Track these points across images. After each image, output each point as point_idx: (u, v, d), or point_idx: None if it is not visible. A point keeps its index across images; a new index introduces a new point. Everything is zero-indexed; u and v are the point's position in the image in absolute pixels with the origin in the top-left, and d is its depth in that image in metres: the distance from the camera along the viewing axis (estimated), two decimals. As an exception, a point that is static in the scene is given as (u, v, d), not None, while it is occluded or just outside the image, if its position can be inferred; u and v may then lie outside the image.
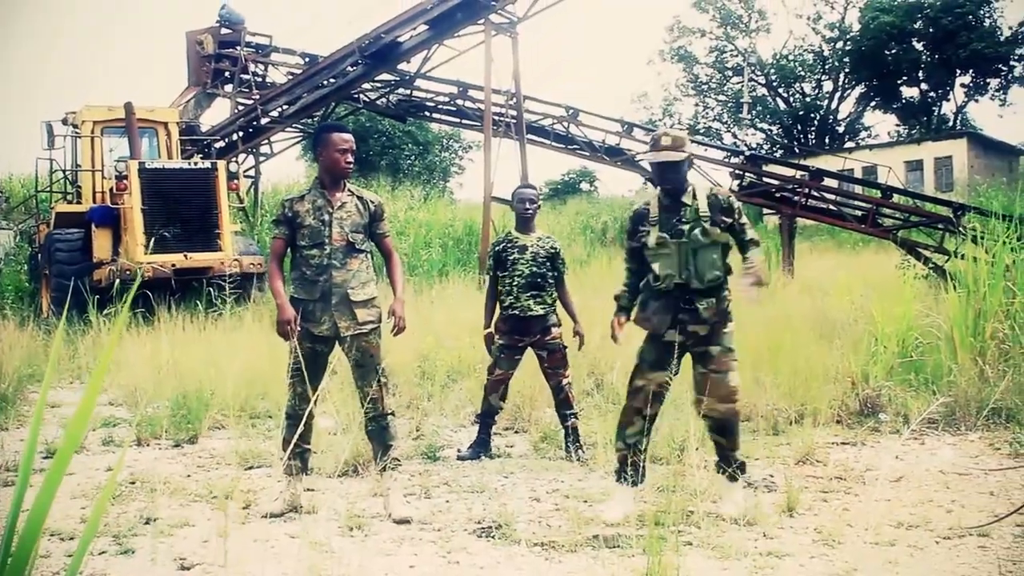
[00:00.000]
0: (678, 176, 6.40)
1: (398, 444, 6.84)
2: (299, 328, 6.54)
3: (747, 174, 24.40)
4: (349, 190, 6.78)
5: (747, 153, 28.31)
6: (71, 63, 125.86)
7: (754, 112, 63.26)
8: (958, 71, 56.98)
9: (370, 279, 6.76)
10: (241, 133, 25.84)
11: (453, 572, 5.44)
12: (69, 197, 20.97)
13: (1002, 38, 55.01)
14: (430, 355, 11.69)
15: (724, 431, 6.44)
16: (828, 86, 64.56)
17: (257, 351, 11.14)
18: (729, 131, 64.88)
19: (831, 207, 23.32)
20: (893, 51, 55.94)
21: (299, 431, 6.25)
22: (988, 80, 57.70)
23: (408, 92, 27.19)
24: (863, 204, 22.70)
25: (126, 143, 19.20)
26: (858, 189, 25.38)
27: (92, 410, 2.60)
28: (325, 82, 24.54)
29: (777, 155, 54.95)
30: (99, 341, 13.27)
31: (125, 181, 17.90)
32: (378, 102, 27.57)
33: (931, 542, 5.78)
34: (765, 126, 65.88)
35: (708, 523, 6.02)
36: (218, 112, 28.63)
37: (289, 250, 6.83)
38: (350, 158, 6.68)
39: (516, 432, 9.62)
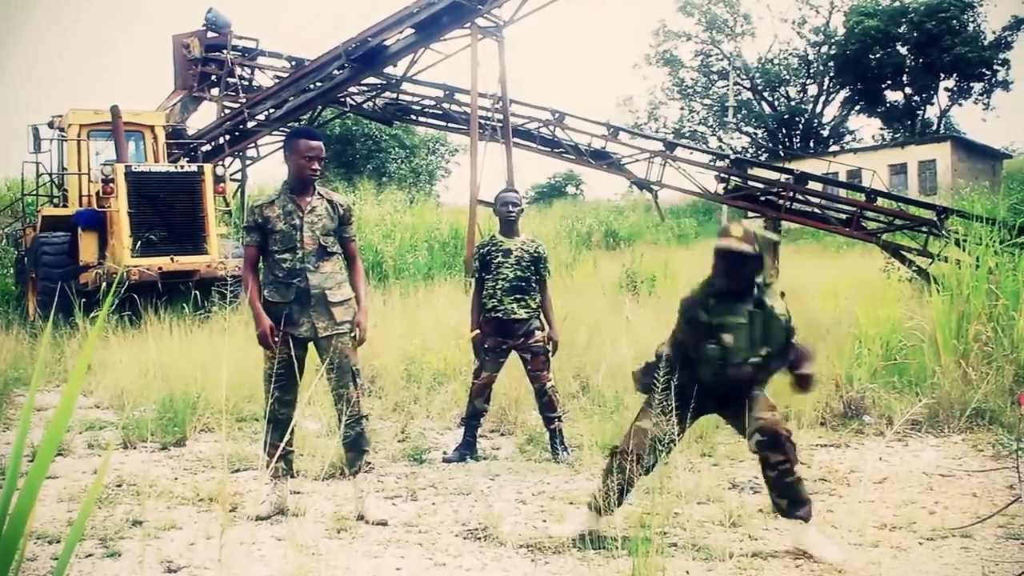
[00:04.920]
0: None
1: (372, 448, 6.83)
2: (279, 333, 6.54)
3: (732, 177, 24.42)
4: (319, 193, 6.78)
5: (732, 157, 28.34)
6: (58, 66, 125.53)
7: (739, 116, 63.36)
8: (942, 75, 57.19)
9: (344, 279, 6.78)
10: (227, 136, 25.79)
11: (439, 574, 5.45)
12: (55, 200, 20.95)
13: (985, 42, 55.27)
14: (416, 358, 11.70)
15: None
16: (813, 90, 64.83)
17: (244, 353, 11.12)
18: (714, 135, 65.01)
19: (816, 210, 23.33)
20: (877, 55, 56.08)
21: (282, 434, 6.27)
22: (971, 84, 57.94)
23: (394, 95, 27.15)
24: (847, 207, 22.71)
25: (112, 146, 19.17)
26: (842, 192, 25.34)
27: (71, 412, 2.62)
28: (311, 86, 24.51)
29: (762, 159, 55.03)
30: (85, 344, 13.21)
31: (111, 184, 17.85)
32: (364, 105, 27.53)
33: (914, 543, 5.81)
34: (750, 130, 66.01)
35: (693, 525, 6.05)
36: (205, 116, 28.58)
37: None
38: (316, 165, 6.67)
39: (502, 434, 9.64)
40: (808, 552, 5.56)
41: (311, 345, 6.77)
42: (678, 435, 5.70)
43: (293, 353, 6.55)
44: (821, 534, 5.70)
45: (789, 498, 5.59)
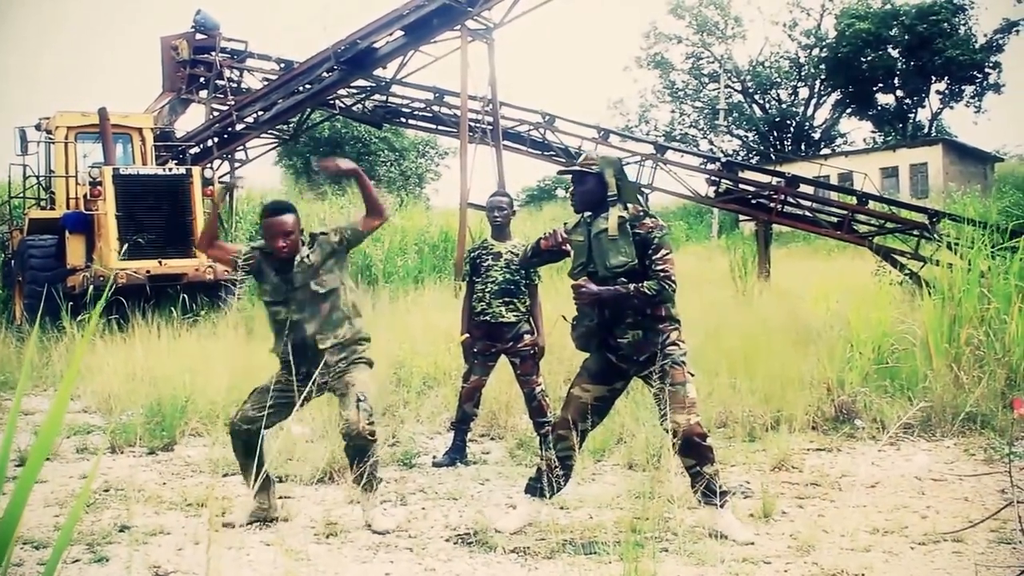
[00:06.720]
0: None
1: (377, 467, 6.54)
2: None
3: (723, 180, 24.42)
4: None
5: (723, 159, 28.35)
6: (46, 68, 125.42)
7: (730, 118, 63.41)
8: (933, 78, 57.22)
9: (343, 319, 6.66)
10: (216, 139, 25.72)
11: (429, 579, 5.44)
12: (42, 203, 20.85)
13: (977, 45, 55.31)
14: (405, 362, 11.66)
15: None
16: (804, 93, 64.88)
17: (232, 358, 11.09)
18: (705, 137, 65.01)
19: (807, 213, 23.36)
20: (869, 58, 56.15)
21: (246, 451, 6.16)
22: (963, 87, 57.97)
23: (384, 98, 27.11)
24: (839, 210, 22.74)
25: (100, 149, 19.11)
26: (834, 195, 25.36)
27: (63, 417, 2.58)
28: (300, 88, 24.46)
29: (753, 161, 55.11)
30: (72, 348, 13.17)
31: (99, 187, 17.77)
32: (354, 108, 27.48)
33: (906, 548, 5.80)
34: (741, 132, 66.07)
35: (685, 530, 6.03)
36: (193, 118, 28.48)
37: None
38: (282, 242, 6.49)
39: (492, 439, 9.61)
40: (721, 532, 6.01)
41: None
42: (607, 395, 6.45)
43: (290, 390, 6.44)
44: (733, 516, 6.18)
45: (704, 489, 6.06)
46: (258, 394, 6.44)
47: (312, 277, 6.52)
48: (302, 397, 6.26)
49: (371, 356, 6.81)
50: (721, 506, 6.06)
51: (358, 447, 6.35)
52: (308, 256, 6.55)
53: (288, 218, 6.53)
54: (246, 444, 6.29)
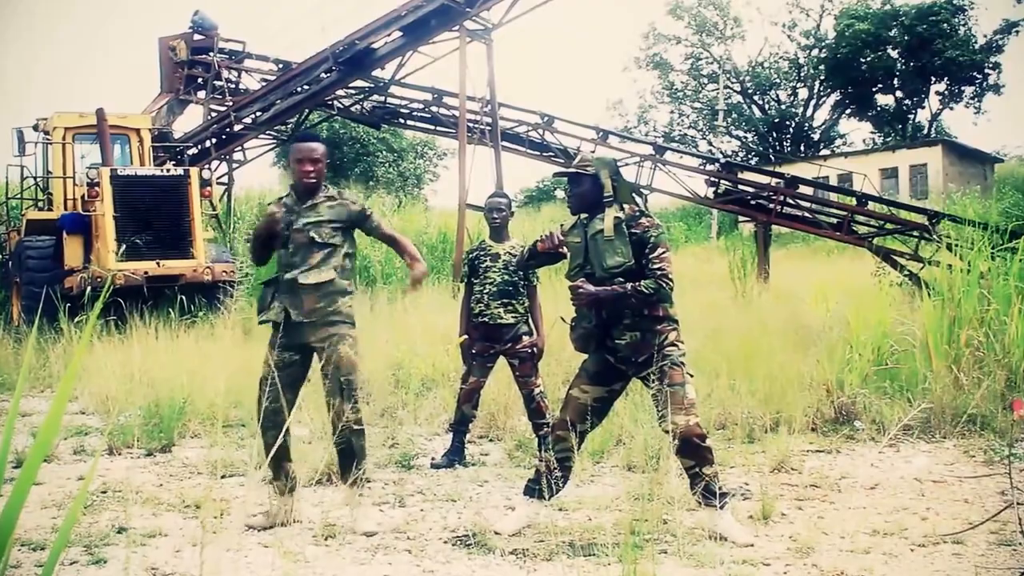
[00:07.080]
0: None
1: (364, 459, 6.63)
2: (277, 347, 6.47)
3: (722, 181, 24.42)
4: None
5: (722, 160, 28.34)
6: (44, 69, 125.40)
7: (729, 119, 63.40)
8: (933, 79, 57.16)
9: (330, 269, 6.59)
10: (214, 140, 25.73)
11: (427, 582, 5.42)
12: (40, 204, 20.82)
13: (977, 46, 55.25)
14: (404, 363, 11.64)
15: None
16: (803, 93, 64.87)
17: (230, 359, 11.06)
18: (704, 138, 65.04)
19: (806, 214, 23.35)
20: (868, 59, 56.08)
21: (272, 439, 6.15)
22: (963, 88, 57.91)
23: (382, 99, 27.14)
24: (838, 211, 22.75)
25: (98, 150, 19.08)
26: (833, 196, 25.35)
27: (61, 418, 2.56)
28: (299, 89, 24.47)
29: (752, 162, 55.07)
30: (70, 349, 13.15)
31: (97, 188, 17.74)
32: (352, 109, 27.50)
33: (906, 549, 5.78)
34: (740, 133, 66.10)
35: (684, 531, 6.01)
36: (191, 119, 28.50)
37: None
38: (309, 167, 6.56)
39: (491, 440, 9.59)
40: (721, 534, 5.98)
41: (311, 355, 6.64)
42: (606, 396, 6.43)
43: (286, 359, 6.49)
44: (732, 518, 6.14)
45: (703, 490, 6.04)
46: (267, 382, 6.42)
47: (314, 225, 6.52)
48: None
49: (355, 315, 6.77)
50: (720, 508, 6.03)
51: (344, 436, 6.40)
52: (321, 203, 6.60)
53: (317, 145, 6.64)
54: (277, 432, 6.25)
